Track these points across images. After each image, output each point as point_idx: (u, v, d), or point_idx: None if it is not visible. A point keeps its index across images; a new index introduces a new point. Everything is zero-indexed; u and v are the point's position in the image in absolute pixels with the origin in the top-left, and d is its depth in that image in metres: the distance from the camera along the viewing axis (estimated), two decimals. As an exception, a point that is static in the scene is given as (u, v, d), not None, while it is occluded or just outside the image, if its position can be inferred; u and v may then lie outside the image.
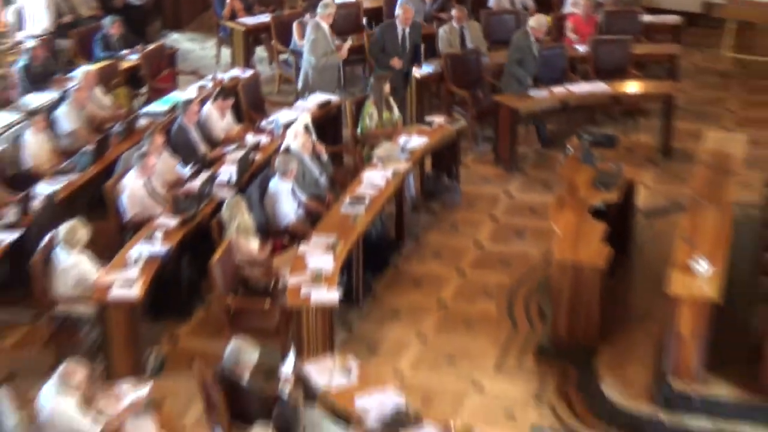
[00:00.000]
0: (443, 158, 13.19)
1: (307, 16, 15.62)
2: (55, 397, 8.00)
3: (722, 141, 12.20)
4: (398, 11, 13.98)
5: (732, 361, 9.44)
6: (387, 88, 13.12)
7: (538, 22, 14.13)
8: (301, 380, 8.53)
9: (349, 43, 14.91)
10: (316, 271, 9.83)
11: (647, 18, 16.33)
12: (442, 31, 15.06)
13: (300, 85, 14.59)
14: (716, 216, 10.30)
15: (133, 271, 9.86)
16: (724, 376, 9.36)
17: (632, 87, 14.10)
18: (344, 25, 16.00)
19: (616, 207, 11.08)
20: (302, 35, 15.41)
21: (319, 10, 14.10)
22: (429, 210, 12.90)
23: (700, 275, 9.17)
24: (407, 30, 14.08)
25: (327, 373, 8.56)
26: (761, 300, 9.64)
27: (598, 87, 14.04)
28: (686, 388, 9.23)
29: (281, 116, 13.30)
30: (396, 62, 13.88)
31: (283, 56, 16.10)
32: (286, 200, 11.05)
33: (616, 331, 10.21)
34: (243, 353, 8.33)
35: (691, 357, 9.23)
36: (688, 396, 9.19)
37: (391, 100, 13.26)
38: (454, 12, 15.18)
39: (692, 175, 11.46)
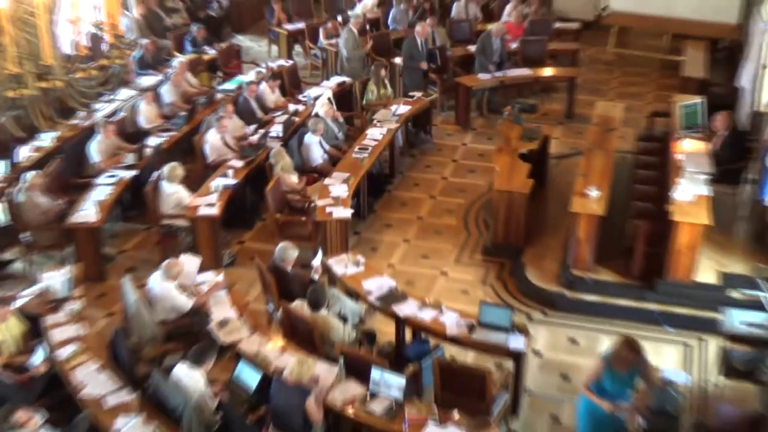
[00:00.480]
0: (420, 120, 13.14)
1: (328, 24, 15.49)
2: (161, 282, 8.14)
3: (607, 108, 12.28)
4: (417, 28, 13.86)
5: (612, 256, 9.65)
6: (383, 73, 13.11)
7: (497, 27, 14.13)
8: (326, 269, 8.64)
9: (370, 43, 14.92)
10: (335, 197, 9.96)
11: (557, 24, 16.13)
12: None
13: (338, 69, 14.46)
14: (603, 159, 10.50)
15: (214, 197, 10.03)
16: (607, 266, 9.60)
17: (547, 71, 13.97)
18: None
19: (536, 153, 11.13)
20: (326, 36, 15.39)
21: (350, 18, 14.11)
22: (411, 155, 12.88)
23: (592, 198, 9.35)
24: (424, 41, 13.92)
25: (343, 264, 8.79)
26: (632, 216, 9.71)
27: (525, 72, 13.92)
28: (582, 274, 9.47)
29: (312, 92, 13.39)
30: (423, 65, 13.73)
31: (312, 51, 15.84)
32: (316, 149, 11.21)
33: (536, 236, 10.36)
34: (287, 251, 8.52)
35: (586, 253, 9.50)
36: (583, 279, 9.44)
37: (386, 81, 13.24)
38: (428, 20, 14.99)
39: (587, 131, 11.54)
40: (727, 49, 15.94)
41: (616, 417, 6.24)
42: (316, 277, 8.52)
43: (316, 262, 8.71)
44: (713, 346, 8.36)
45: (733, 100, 12.71)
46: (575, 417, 6.71)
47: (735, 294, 8.76)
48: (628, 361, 6.20)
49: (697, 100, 11.49)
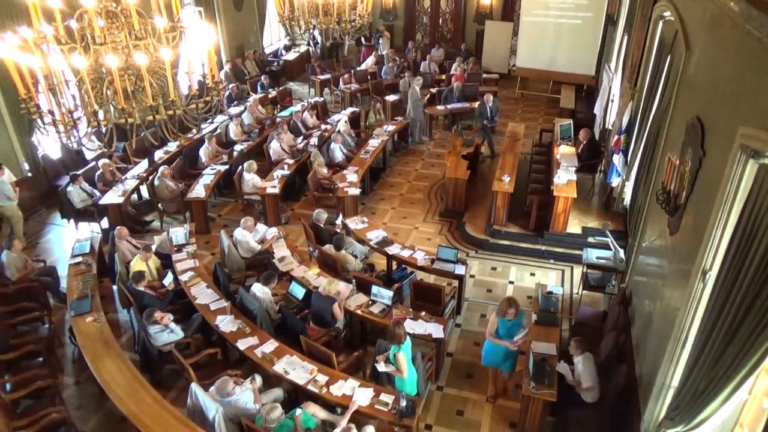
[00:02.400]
0: (402, 133, 12.94)
1: (345, 75, 15.32)
2: (242, 231, 8.08)
3: (514, 127, 12.08)
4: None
5: (517, 217, 9.59)
6: (378, 105, 12.97)
7: (455, 86, 13.91)
8: (344, 226, 8.55)
9: (427, 96, 13.84)
10: (350, 181, 9.86)
11: (485, 75, 15.93)
12: (401, 82, 14.70)
13: (407, 113, 13.20)
14: (512, 158, 10.38)
15: (275, 182, 9.93)
16: (514, 223, 9.53)
17: (478, 104, 13.77)
18: (360, 79, 15.52)
19: (471, 155, 11.00)
20: (344, 83, 15.17)
21: (415, 81, 13.13)
22: (396, 155, 12.67)
23: (505, 182, 9.26)
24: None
25: (355, 222, 8.66)
26: (529, 192, 9.64)
27: (465, 104, 13.73)
28: (499, 228, 9.41)
29: (335, 117, 13.14)
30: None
31: (335, 92, 15.62)
32: (338, 152, 11.06)
33: (471, 205, 10.27)
34: (320, 215, 8.49)
35: (501, 215, 9.45)
36: (500, 231, 9.33)
37: (380, 110, 13.10)
38: (406, 73, 14.78)
39: (503, 141, 11.31)
40: (587, 90, 15.78)
41: (504, 348, 5.84)
42: (338, 230, 8.46)
43: (339, 221, 8.64)
44: (578, 271, 8.39)
45: (591, 122, 12.61)
46: (483, 348, 6.10)
47: (591, 239, 8.75)
48: (513, 311, 5.74)
49: (568, 121, 11.42)
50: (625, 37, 10.78)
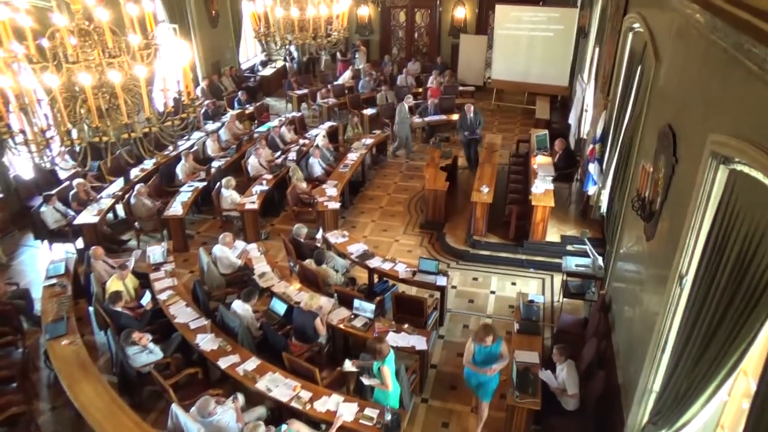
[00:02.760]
0: (380, 147, 13.00)
1: (323, 89, 15.39)
2: (220, 248, 8.00)
3: (492, 138, 12.22)
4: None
5: (497, 227, 9.64)
6: (356, 119, 12.99)
7: (430, 102, 14.00)
8: (325, 240, 8.51)
9: (416, 118, 13.51)
10: (329, 195, 9.83)
11: (461, 87, 16.12)
12: (378, 96, 14.84)
13: (395, 131, 13.19)
14: (490, 169, 10.48)
15: (254, 197, 9.84)
16: (494, 233, 9.58)
17: (455, 116, 13.85)
18: (338, 93, 15.59)
19: (450, 166, 11.08)
20: (321, 97, 15.21)
21: (405, 99, 13.14)
22: (374, 168, 12.67)
23: (484, 193, 9.33)
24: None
25: (335, 236, 8.62)
26: (508, 202, 9.72)
27: (442, 117, 13.88)
28: (479, 238, 9.45)
29: (313, 132, 13.14)
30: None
31: (313, 106, 15.65)
32: (317, 166, 11.04)
33: (451, 216, 10.31)
34: (300, 229, 8.46)
35: (481, 226, 9.50)
36: (480, 241, 9.38)
37: (358, 124, 13.14)
38: (383, 87, 14.90)
39: (481, 152, 11.35)
40: (561, 101, 16.04)
41: (482, 377, 5.66)
42: (319, 245, 8.41)
43: (319, 236, 8.59)
44: (558, 279, 8.44)
45: (566, 131, 12.80)
46: (464, 372, 5.90)
47: (570, 247, 8.83)
48: (490, 338, 5.56)
49: (544, 132, 11.57)
50: (597, 49, 11.02)
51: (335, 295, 7.23)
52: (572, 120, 12.57)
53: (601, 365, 5.99)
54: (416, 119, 13.56)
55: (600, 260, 7.51)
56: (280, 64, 19.23)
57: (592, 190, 9.02)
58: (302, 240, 8.36)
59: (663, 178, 4.84)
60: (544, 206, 8.83)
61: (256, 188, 10.12)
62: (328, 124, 13.67)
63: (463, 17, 18.47)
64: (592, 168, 8.75)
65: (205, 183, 10.44)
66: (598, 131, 8.78)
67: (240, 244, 8.33)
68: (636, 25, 7.41)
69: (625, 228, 6.57)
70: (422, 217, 10.40)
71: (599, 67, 10.42)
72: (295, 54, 19.17)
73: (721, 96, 3.79)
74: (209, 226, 10.37)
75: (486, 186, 9.48)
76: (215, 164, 11.19)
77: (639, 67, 6.82)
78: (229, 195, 9.78)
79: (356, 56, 18.50)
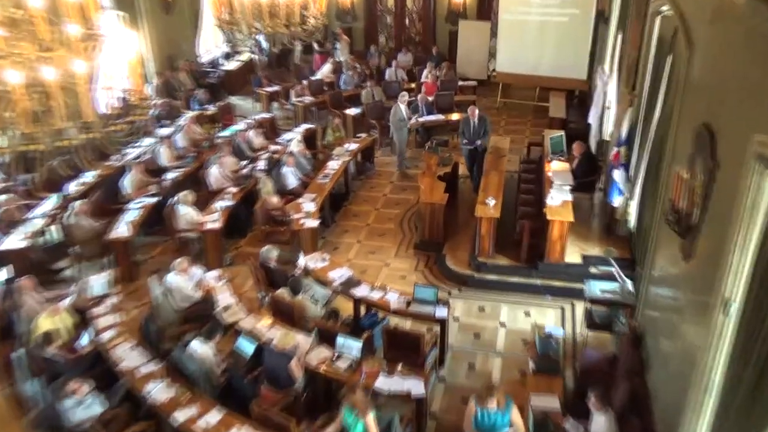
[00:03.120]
0: (366, 153, 13.07)
1: (297, 86, 15.50)
2: (174, 277, 7.97)
3: (498, 141, 12.27)
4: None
5: (506, 247, 9.67)
6: (337, 121, 13.07)
7: (420, 97, 14.16)
8: (303, 266, 8.50)
9: (415, 119, 13.43)
10: (306, 211, 9.85)
11: (460, 82, 16.27)
12: (363, 93, 14.95)
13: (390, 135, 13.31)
14: (497, 177, 10.56)
15: (216, 215, 9.87)
16: (503, 254, 9.61)
17: (455, 116, 13.96)
18: (315, 90, 15.70)
19: (449, 174, 11.12)
20: (296, 95, 15.32)
21: (400, 98, 12.98)
22: (360, 179, 12.76)
23: (490, 206, 9.42)
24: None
25: (314, 261, 8.60)
26: (519, 217, 9.77)
27: (439, 117, 14.00)
28: (485, 260, 9.50)
29: (286, 136, 13.17)
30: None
31: (286, 106, 15.73)
32: (291, 177, 11.08)
33: (452, 234, 10.36)
34: (269, 252, 8.46)
35: (487, 245, 9.54)
36: (486, 264, 9.43)
37: (340, 126, 13.19)
38: (369, 83, 15.04)
39: (486, 158, 11.39)
40: (579, 97, 16.22)
41: None
42: (297, 271, 8.39)
43: (301, 261, 8.58)
44: (580, 308, 8.44)
45: (585, 132, 12.91)
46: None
47: (593, 269, 8.86)
48: (495, 402, 5.48)
49: (560, 133, 11.68)
50: (619, 36, 11.18)
51: (314, 331, 7.18)
52: (592, 119, 12.68)
53: (634, 411, 5.97)
54: (413, 121, 13.48)
55: (629, 284, 7.53)
56: (246, 56, 19.31)
57: (617, 201, 9.08)
58: (274, 265, 8.32)
59: (701, 185, 4.88)
60: (561, 221, 8.87)
61: (219, 204, 10.10)
62: (304, 126, 13.70)
63: (462, 1, 18.70)
64: (617, 175, 8.82)
65: (157, 199, 10.40)
66: (623, 132, 8.86)
67: (199, 272, 8.29)
68: (664, 8, 7.53)
69: (659, 246, 6.61)
70: (417, 236, 10.41)
71: (622, 57, 10.55)
72: (265, 45, 19.22)
73: (766, 89, 3.83)
74: (162, 250, 10.30)
75: (492, 198, 9.52)
76: (169, 176, 11.17)
77: (669, 57, 6.92)
78: (185, 213, 9.74)
79: (337, 47, 18.64)
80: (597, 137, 12.10)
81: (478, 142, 11.49)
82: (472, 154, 11.66)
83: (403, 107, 12.80)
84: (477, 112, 11.64)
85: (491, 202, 9.46)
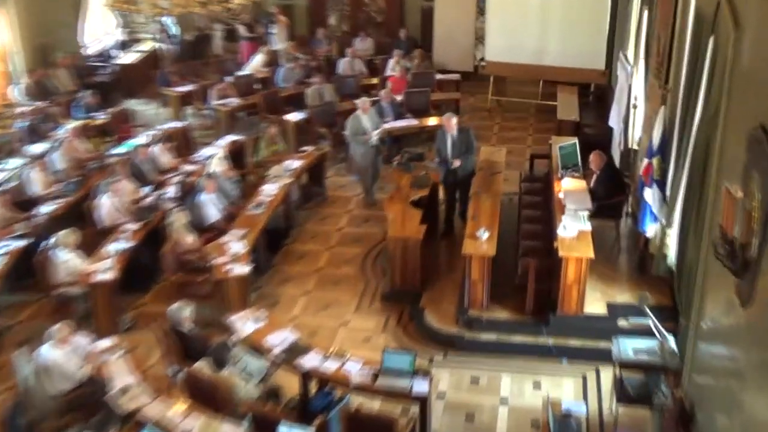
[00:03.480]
0: (314, 173, 13.07)
1: (219, 85, 15.46)
2: (51, 350, 7.83)
3: (490, 152, 12.36)
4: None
5: (506, 294, 9.69)
6: (273, 130, 13.03)
7: (384, 93, 14.39)
8: (228, 328, 8.38)
9: (377, 134, 12.78)
10: (233, 254, 9.83)
11: (439, 76, 16.47)
12: (309, 92, 14.96)
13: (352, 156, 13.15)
14: (490, 201, 10.61)
15: (109, 262, 9.76)
16: (502, 305, 9.61)
17: (432, 120, 14.08)
18: (243, 89, 15.65)
19: (426, 199, 11.15)
20: (218, 96, 15.30)
21: (360, 102, 12.86)
22: (306, 208, 12.74)
23: (482, 240, 9.44)
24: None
25: (245, 321, 8.48)
26: (521, 254, 9.78)
27: (411, 122, 14.16)
28: (478, 314, 9.47)
29: (205, 151, 13.12)
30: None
31: (204, 111, 15.69)
32: (210, 207, 11.01)
33: (432, 280, 10.38)
34: (180, 312, 8.37)
35: (480, 293, 9.51)
36: (480, 319, 9.41)
37: (278, 137, 13.17)
38: (315, 78, 15.08)
39: (474, 176, 11.42)
40: (596, 92, 16.48)
41: None
42: (219, 337, 8.28)
43: (224, 322, 8.46)
44: (607, 374, 8.38)
45: (606, 140, 13.09)
46: None
47: (623, 322, 8.87)
48: None
49: (572, 140, 11.79)
50: (645, 13, 11.42)
51: (247, 417, 7.04)
52: (614, 121, 12.86)
53: None
54: (376, 134, 12.89)
55: (671, 342, 7.54)
56: (149, 46, 19.25)
57: (651, 229, 9.15)
58: (189, 329, 8.19)
59: (760, 206, 4.92)
60: (578, 258, 8.88)
61: (113, 247, 10.00)
62: (229, 138, 13.69)
63: (439, -33, 18.97)
64: (650, 195, 8.90)
65: (26, 241, 10.27)
66: (655, 138, 8.97)
67: (85, 341, 8.13)
68: (702, -25, 7.70)
69: (708, 288, 6.64)
70: (386, 283, 10.40)
71: (650, 41, 10.75)
72: (174, 30, 19.23)
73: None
74: (33, 312, 10.10)
75: (485, 230, 9.52)
76: (44, 209, 11.05)
77: (710, 39, 7.04)
78: (66, 260, 9.63)
79: (271, 31, 18.70)
80: (621, 145, 12.26)
81: (457, 163, 11.12)
82: (451, 180, 11.37)
83: (365, 118, 12.58)
84: (455, 122, 11.24)
85: (484, 235, 9.45)
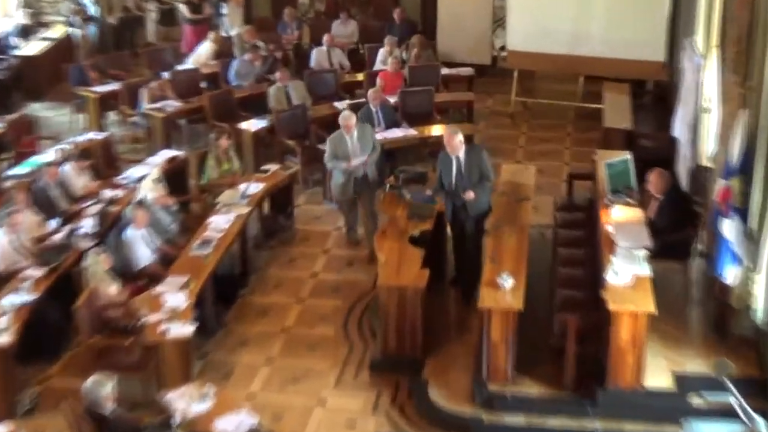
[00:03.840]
0: (279, 200, 13.11)
1: (153, 83, 15.49)
2: None
3: (515, 172, 12.38)
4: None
5: (538, 362, 9.65)
6: (224, 142, 12.97)
7: (372, 96, 14.31)
8: (165, 409, 8.29)
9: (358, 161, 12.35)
10: (171, 309, 9.72)
11: (445, 71, 16.49)
12: (272, 92, 14.97)
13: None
14: (515, 237, 10.55)
15: (4, 320, 9.55)
16: (533, 376, 9.54)
17: (436, 130, 14.11)
18: (185, 88, 15.67)
19: (430, 234, 11.12)
20: (151, 99, 15.27)
21: (343, 104, 13.24)
22: (269, 247, 12.76)
23: (505, 289, 9.39)
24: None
25: (187, 400, 8.34)
26: (558, 308, 9.74)
27: (408, 132, 14.22)
28: (501, 389, 9.37)
29: (134, 171, 13.08)
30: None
31: (133, 119, 15.70)
32: (141, 246, 10.91)
33: (439, 342, 10.30)
34: (99, 388, 8.14)
35: (503, 360, 9.43)
36: (503, 396, 9.32)
37: (231, 152, 13.11)
38: (280, 74, 15.10)
39: (493, 204, 11.42)
40: (655, 92, 16.53)
41: None
42: (152, 420, 8.20)
43: (158, 400, 8.40)
44: (676, 470, 8.39)
45: (669, 154, 13.09)
46: None
47: (696, 400, 8.80)
48: None
49: (623, 156, 11.80)
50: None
51: None
52: (680, 130, 12.89)
53: None
54: (357, 162, 12.39)
55: (762, 425, 7.50)
56: (60, 32, 19.26)
57: (731, 274, 9.13)
58: (112, 411, 8.09)
59: None
60: (634, 313, 8.83)
61: (9, 300, 9.90)
62: (166, 154, 13.70)
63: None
64: (729, 228, 8.90)
65: None
66: (735, 151, 8.98)
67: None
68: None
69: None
70: (376, 347, 10.35)
71: (725, 24, 10.79)
72: (93, 11, 19.29)
73: None
74: None
75: (508, 275, 9.48)
76: None
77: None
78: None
79: (222, 12, 18.80)
80: (690, 161, 12.28)
81: (470, 196, 10.76)
82: (459, 218, 11.16)
83: (348, 139, 12.18)
84: (460, 139, 10.81)
85: (507, 282, 9.41)
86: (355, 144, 12.15)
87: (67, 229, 11.38)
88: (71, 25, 19.19)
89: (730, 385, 7.79)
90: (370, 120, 13.83)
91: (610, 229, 10.30)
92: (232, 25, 18.35)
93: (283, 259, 12.49)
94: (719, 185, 9.33)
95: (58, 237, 11.20)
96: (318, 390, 9.76)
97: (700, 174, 11.84)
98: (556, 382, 9.31)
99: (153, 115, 15.21)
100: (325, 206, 13.60)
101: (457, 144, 10.72)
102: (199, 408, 8.27)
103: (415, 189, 11.74)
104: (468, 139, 12.38)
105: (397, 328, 9.98)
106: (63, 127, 16.24)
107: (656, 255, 9.86)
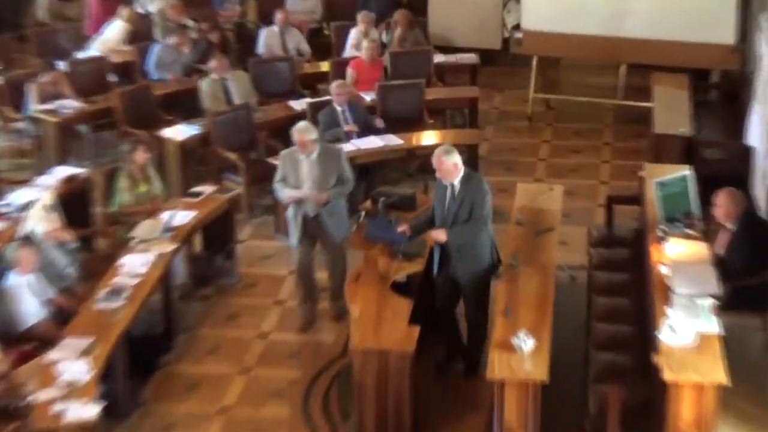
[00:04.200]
0: (215, 235, 13.03)
1: (45, 76, 15.45)
2: None
3: (535, 194, 12.27)
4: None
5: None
6: (142, 155, 12.85)
7: (336, 88, 14.37)
8: None
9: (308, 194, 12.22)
10: (69, 383, 9.57)
11: (439, 58, 16.48)
12: (204, 86, 14.88)
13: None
14: (537, 281, 10.46)
15: None
16: (562, 470, 9.40)
17: (429, 138, 14.05)
18: (88, 82, 15.63)
19: (419, 279, 11.08)
20: (42, 97, 15.17)
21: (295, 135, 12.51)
22: (202, 297, 12.72)
23: (524, 352, 9.27)
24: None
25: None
26: (596, 377, 9.61)
27: (390, 140, 14.08)
28: (520, 488, 9.22)
29: (17, 197, 12.86)
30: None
31: (17, 125, 15.61)
32: (27, 298, 10.78)
33: (434, 425, 10.27)
34: None
35: (523, 449, 9.22)
36: (524, 497, 9.16)
37: (150, 170, 13.00)
38: (212, 63, 15.03)
39: (506, 237, 11.46)
40: (722, 86, 16.58)
41: None
42: None
43: None
44: None
45: (742, 169, 13.09)
46: None
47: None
48: None
49: (681, 172, 11.77)
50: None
51: None
52: (756, 137, 12.92)
53: None
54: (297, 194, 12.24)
55: None
56: None
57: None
58: None
59: None
60: (698, 384, 8.83)
61: None
62: (62, 172, 13.68)
63: None
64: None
65: None
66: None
67: None
68: None
69: None
70: (347, 429, 10.37)
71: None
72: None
73: None
74: None
75: (527, 335, 9.44)
76: None
77: None
78: None
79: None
80: (769, 177, 12.30)
81: (441, 238, 10.74)
82: (447, 270, 11.02)
83: (304, 160, 11.85)
84: (456, 162, 10.62)
85: (526, 343, 9.37)
86: (313, 169, 11.77)
87: None
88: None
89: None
90: (333, 124, 13.82)
91: (664, 270, 10.29)
92: (150, 0, 18.39)
93: (221, 313, 12.49)
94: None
95: None
96: (268, 491, 9.77)
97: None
98: (593, 479, 9.30)
99: (44, 119, 15.19)
100: (277, 242, 13.58)
101: (449, 168, 10.49)
102: None
103: (390, 216, 11.61)
104: (471, 159, 12.65)
105: (377, 403, 9.93)
106: None
107: (727, 305, 9.86)
